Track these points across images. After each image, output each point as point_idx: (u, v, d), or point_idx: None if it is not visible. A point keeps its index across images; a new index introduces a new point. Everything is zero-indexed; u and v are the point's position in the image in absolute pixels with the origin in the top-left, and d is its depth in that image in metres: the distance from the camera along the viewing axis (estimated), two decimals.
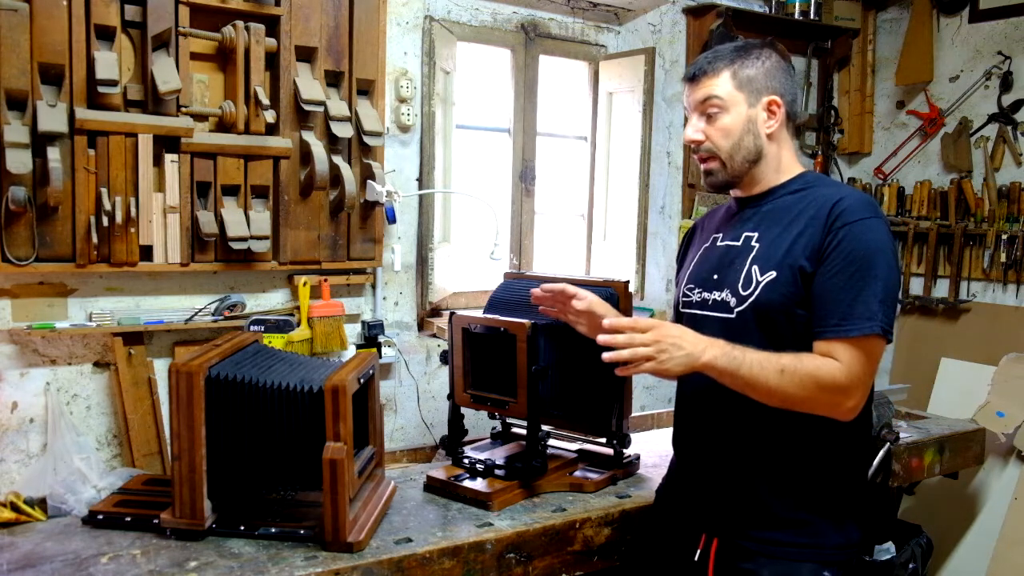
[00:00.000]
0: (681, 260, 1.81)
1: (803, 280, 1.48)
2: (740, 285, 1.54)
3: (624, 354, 1.40)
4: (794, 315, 1.49)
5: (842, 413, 1.45)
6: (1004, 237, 3.41)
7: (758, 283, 1.51)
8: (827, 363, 1.42)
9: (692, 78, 1.59)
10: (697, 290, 1.64)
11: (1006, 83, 3.45)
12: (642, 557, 1.76)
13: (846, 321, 1.42)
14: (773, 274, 1.50)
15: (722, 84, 1.55)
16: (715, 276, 1.60)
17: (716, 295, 1.59)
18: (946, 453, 2.55)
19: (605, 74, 3.58)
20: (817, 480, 1.52)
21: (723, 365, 1.42)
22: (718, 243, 1.65)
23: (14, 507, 1.66)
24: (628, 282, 1.96)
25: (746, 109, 1.56)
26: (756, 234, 1.58)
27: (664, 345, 1.40)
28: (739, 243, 1.59)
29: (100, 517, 1.61)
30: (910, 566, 2.42)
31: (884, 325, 1.42)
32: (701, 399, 1.61)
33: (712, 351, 1.42)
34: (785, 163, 1.61)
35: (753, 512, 1.53)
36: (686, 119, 1.67)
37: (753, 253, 1.55)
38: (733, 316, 1.53)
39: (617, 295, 1.90)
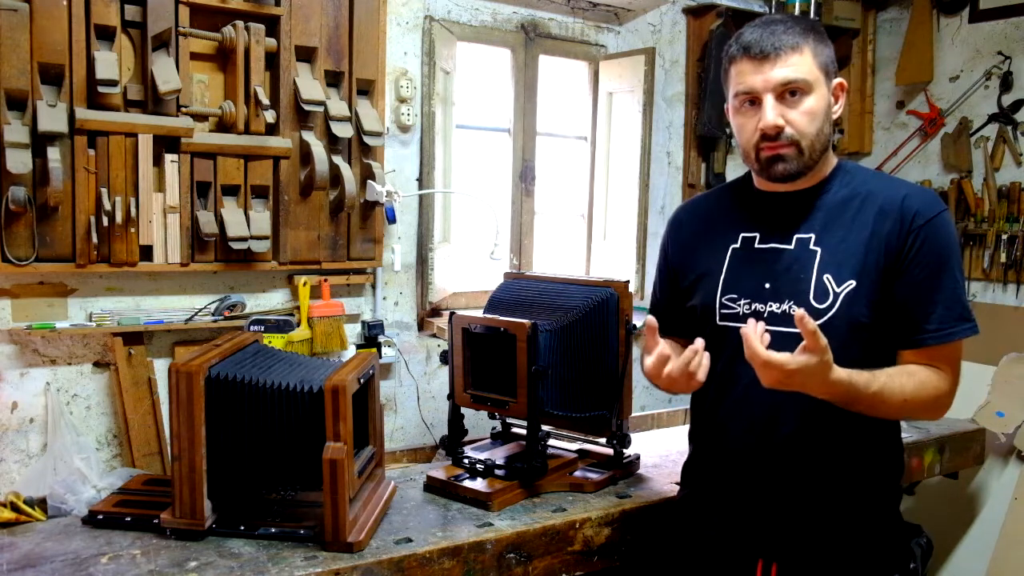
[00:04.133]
0: (680, 261, 1.63)
1: (883, 287, 1.37)
2: (812, 297, 1.39)
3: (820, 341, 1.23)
4: (878, 327, 1.38)
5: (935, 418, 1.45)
6: (1004, 237, 3.40)
7: (836, 295, 1.37)
8: (937, 380, 1.37)
9: (765, 54, 1.37)
10: (743, 301, 1.46)
11: (1006, 83, 3.44)
12: None
13: (946, 325, 1.35)
14: (852, 283, 1.37)
15: (807, 62, 1.37)
16: (767, 285, 1.44)
17: (774, 307, 1.42)
18: (946, 453, 2.55)
19: (605, 74, 3.58)
20: (873, 491, 1.47)
21: (858, 380, 1.29)
22: (756, 245, 1.48)
23: (14, 507, 1.66)
24: (628, 282, 1.95)
25: (826, 92, 1.41)
26: (812, 236, 1.42)
27: (829, 354, 1.25)
28: (791, 247, 1.43)
29: (100, 517, 1.61)
30: (910, 566, 2.42)
31: (974, 321, 1.36)
32: (752, 417, 1.46)
33: (842, 371, 1.27)
34: (829, 154, 1.47)
35: (817, 532, 1.44)
36: (724, 101, 1.49)
37: (818, 259, 1.40)
38: None
39: (617, 295, 1.90)
